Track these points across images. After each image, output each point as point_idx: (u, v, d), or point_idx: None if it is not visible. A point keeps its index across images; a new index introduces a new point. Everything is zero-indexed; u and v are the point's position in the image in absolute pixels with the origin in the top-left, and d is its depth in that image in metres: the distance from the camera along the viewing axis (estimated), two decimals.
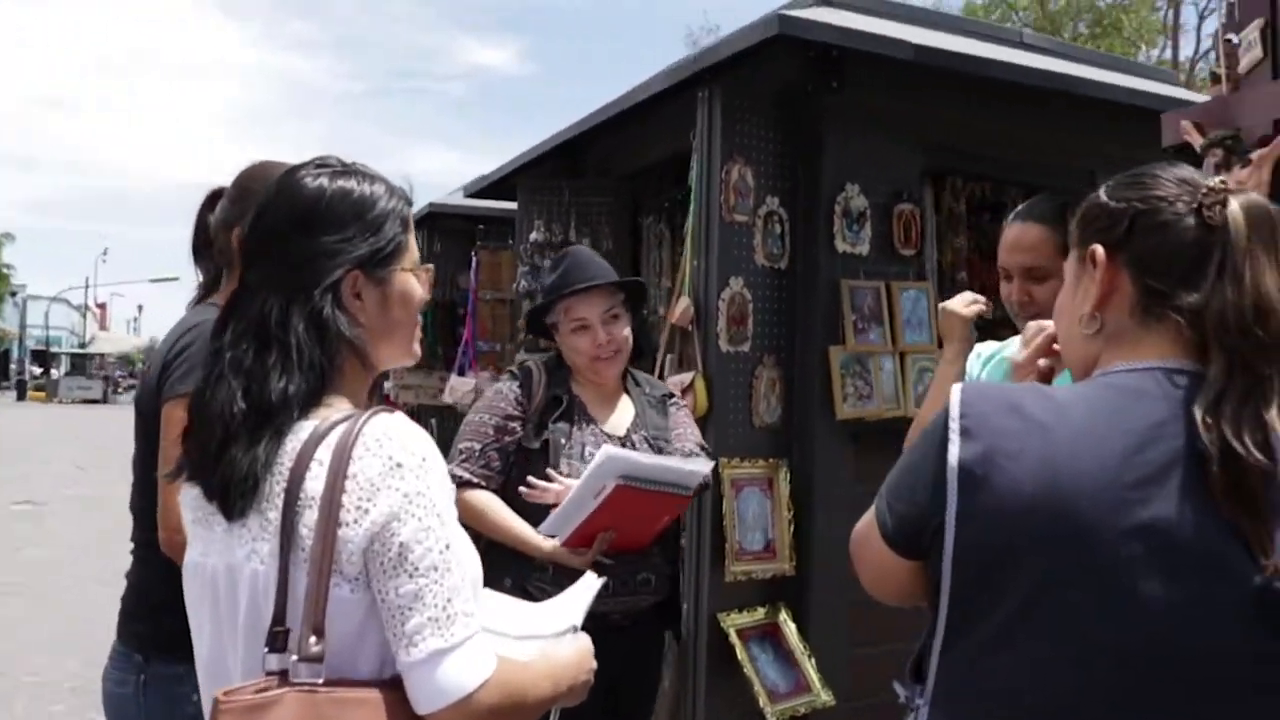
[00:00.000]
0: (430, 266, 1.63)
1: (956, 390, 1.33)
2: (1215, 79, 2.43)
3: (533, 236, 5.44)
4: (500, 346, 6.36)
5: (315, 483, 1.35)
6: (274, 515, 1.36)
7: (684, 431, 3.08)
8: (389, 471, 1.35)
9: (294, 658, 1.30)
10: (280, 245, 1.47)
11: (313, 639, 1.31)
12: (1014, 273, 2.44)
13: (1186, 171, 1.40)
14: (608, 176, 5.57)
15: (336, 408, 1.44)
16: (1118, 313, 1.38)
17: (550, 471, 2.72)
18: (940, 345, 4.26)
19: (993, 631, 1.27)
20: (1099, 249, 1.39)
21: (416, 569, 1.34)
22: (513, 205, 5.89)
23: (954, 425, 1.29)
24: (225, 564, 1.41)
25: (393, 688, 1.36)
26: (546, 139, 5.45)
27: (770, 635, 3.90)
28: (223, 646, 1.43)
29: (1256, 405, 1.23)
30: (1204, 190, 1.33)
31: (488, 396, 2.93)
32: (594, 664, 1.65)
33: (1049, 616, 1.24)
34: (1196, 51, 23.36)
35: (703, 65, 3.75)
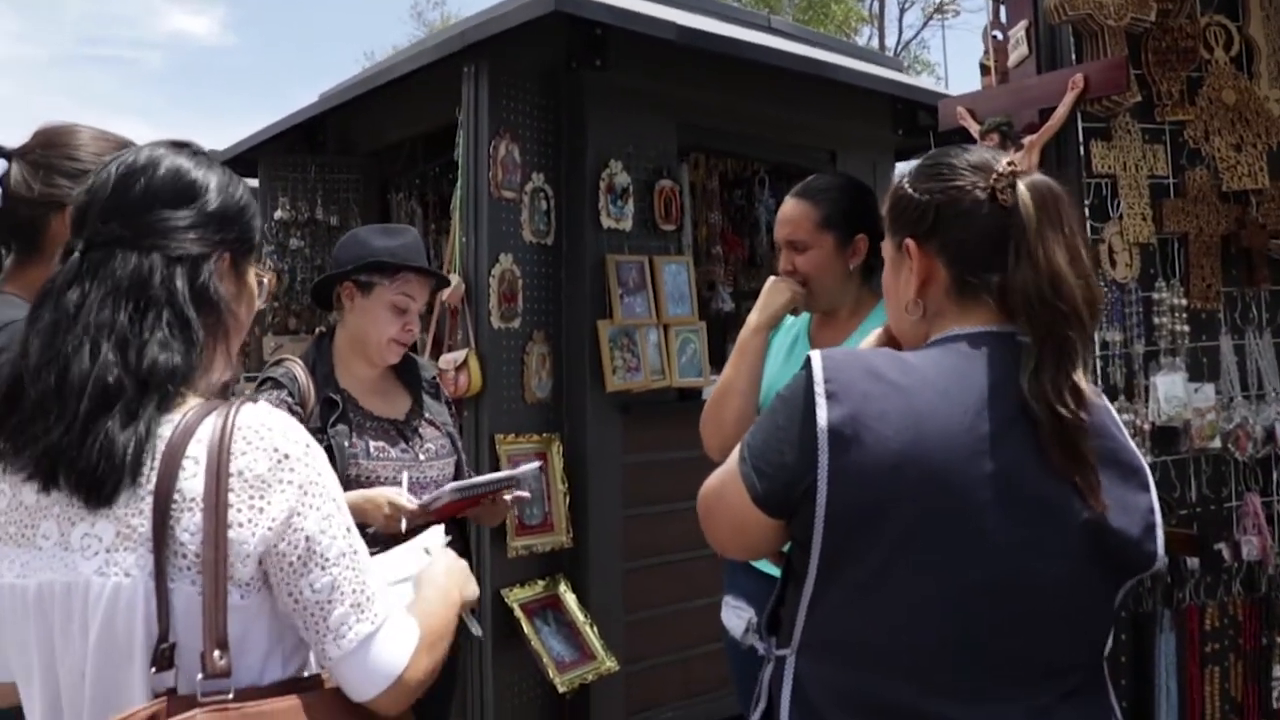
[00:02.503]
0: (274, 275, 1.55)
1: (817, 357, 1.40)
2: (985, 70, 2.64)
3: (277, 214, 5.23)
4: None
5: (193, 483, 1.23)
6: (139, 521, 1.23)
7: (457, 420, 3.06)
8: (277, 465, 1.26)
9: (199, 676, 1.21)
10: (158, 211, 1.34)
11: (217, 653, 1.22)
12: (780, 244, 2.57)
13: (978, 156, 1.51)
14: (352, 152, 5.42)
15: (190, 400, 1.32)
16: (937, 295, 1.50)
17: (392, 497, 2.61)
18: (701, 317, 4.46)
19: (862, 579, 1.36)
20: (911, 243, 1.51)
21: (327, 559, 1.28)
22: (250, 181, 5.62)
23: (819, 390, 1.36)
24: (63, 582, 1.24)
25: (300, 691, 1.30)
26: (292, 114, 5.23)
27: (551, 607, 3.94)
28: (55, 679, 1.27)
29: (1066, 368, 1.37)
30: (995, 175, 1.45)
31: None
32: (464, 563, 1.65)
33: (917, 561, 1.34)
34: (899, 41, 25.02)
35: (473, 40, 3.70)
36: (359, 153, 5.40)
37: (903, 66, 6.38)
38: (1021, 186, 1.42)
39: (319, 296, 2.92)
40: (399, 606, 1.39)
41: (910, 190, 1.53)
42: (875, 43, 23.87)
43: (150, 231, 1.33)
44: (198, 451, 1.25)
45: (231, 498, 1.24)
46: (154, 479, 1.23)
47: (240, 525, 1.24)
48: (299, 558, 1.27)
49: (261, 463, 1.26)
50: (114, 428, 1.23)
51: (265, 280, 1.52)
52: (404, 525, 2.48)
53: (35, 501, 1.27)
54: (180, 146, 1.43)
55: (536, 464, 2.91)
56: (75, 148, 1.89)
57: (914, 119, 5.30)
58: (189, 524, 1.23)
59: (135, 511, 1.23)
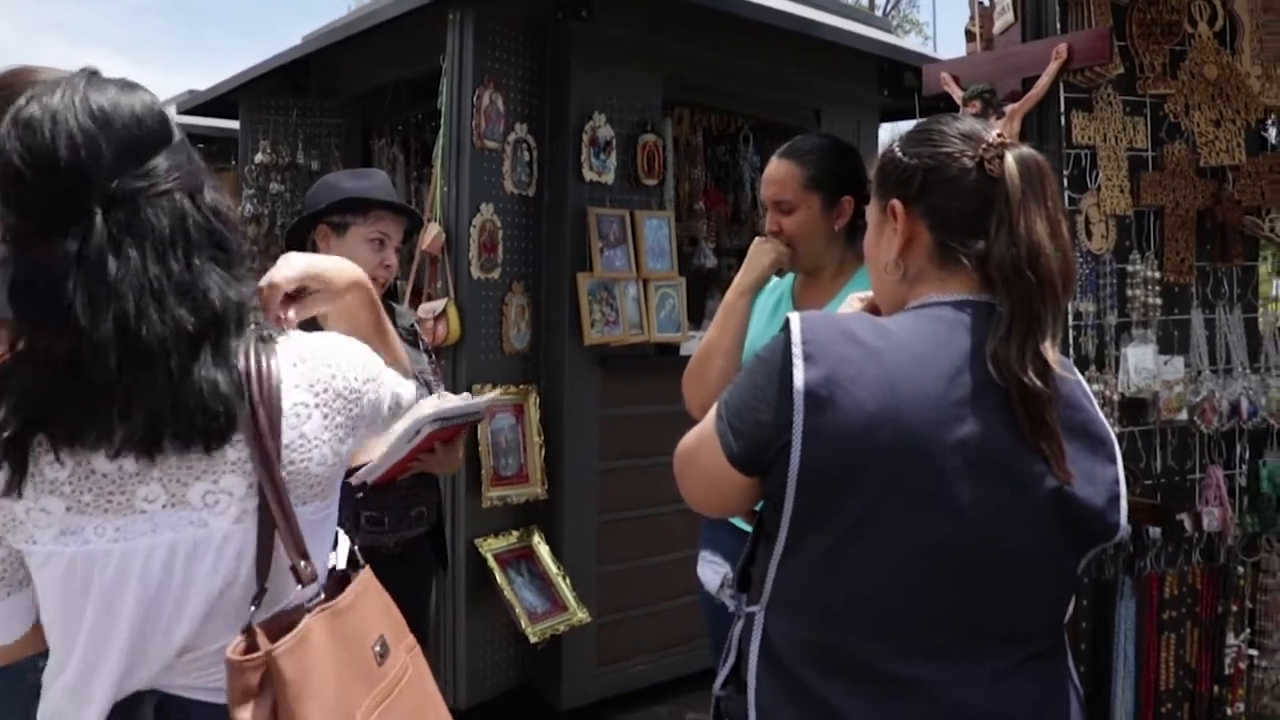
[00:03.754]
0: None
1: (795, 319, 1.42)
2: (970, 36, 2.64)
3: (258, 158, 5.20)
4: None
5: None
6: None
7: (435, 368, 3.07)
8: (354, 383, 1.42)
9: (298, 587, 1.33)
10: (158, 149, 1.31)
11: (303, 563, 1.33)
12: (767, 204, 2.58)
13: (969, 125, 1.54)
14: (333, 96, 5.37)
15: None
16: (919, 258, 1.53)
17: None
18: (681, 273, 4.47)
19: (832, 539, 1.39)
20: (897, 204, 1.53)
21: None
22: (227, 123, 5.58)
23: (797, 351, 1.38)
24: (190, 539, 1.30)
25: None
26: (274, 56, 5.17)
27: (525, 558, 3.98)
28: (158, 629, 1.32)
29: (1035, 339, 1.40)
30: (984, 145, 1.47)
31: None
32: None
33: (886, 523, 1.36)
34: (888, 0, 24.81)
35: None
36: (342, 96, 5.36)
37: (891, 27, 6.37)
38: (1009, 158, 1.45)
39: (293, 245, 2.91)
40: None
41: (900, 154, 1.55)
42: (865, 1, 23.68)
43: (163, 172, 1.30)
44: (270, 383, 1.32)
45: (302, 418, 1.35)
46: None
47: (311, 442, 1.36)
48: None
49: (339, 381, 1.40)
50: (208, 372, 1.26)
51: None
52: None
53: (118, 469, 1.27)
54: (114, 82, 1.36)
55: (488, 396, 2.98)
56: (34, 85, 1.91)
57: (900, 80, 5.30)
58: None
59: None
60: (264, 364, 1.31)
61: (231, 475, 1.30)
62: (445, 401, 2.65)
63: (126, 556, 1.29)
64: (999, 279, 1.42)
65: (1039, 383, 1.37)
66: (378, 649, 1.40)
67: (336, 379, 1.39)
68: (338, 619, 1.35)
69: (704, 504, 1.60)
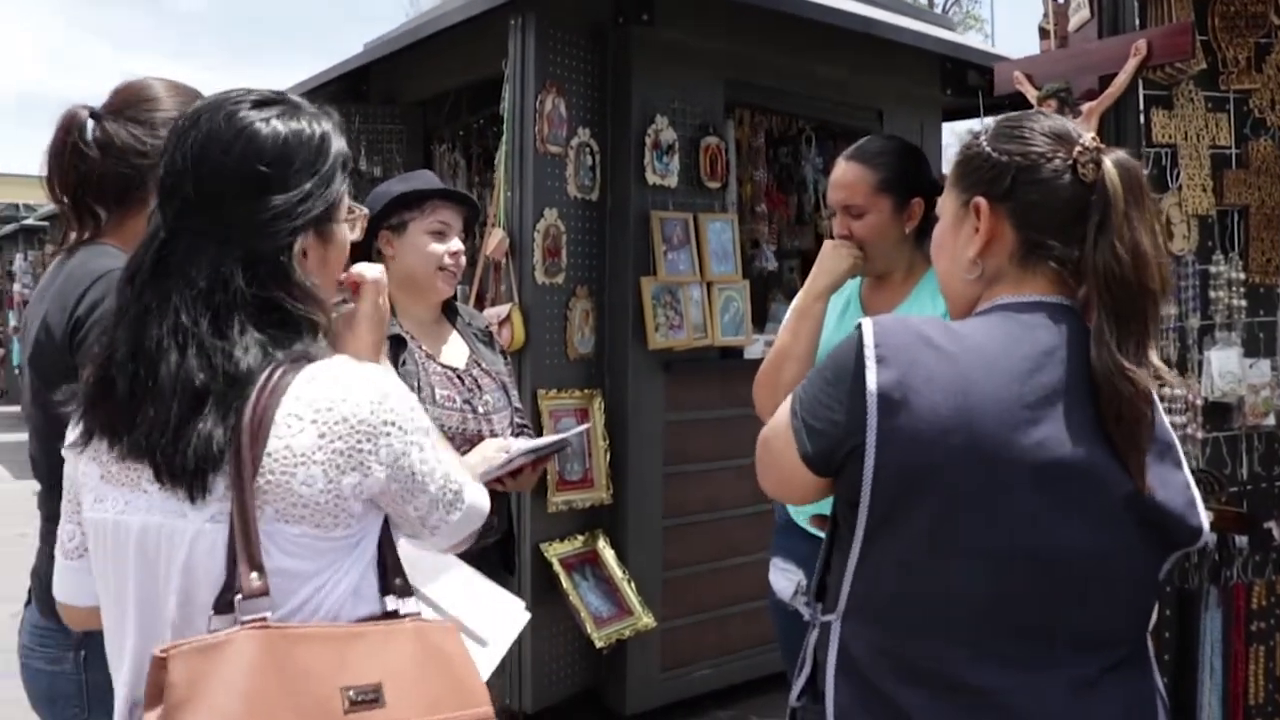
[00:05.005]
0: (365, 211, 1.53)
1: (869, 323, 1.41)
2: (1044, 34, 2.59)
3: None
4: None
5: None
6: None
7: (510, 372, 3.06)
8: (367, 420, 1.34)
9: (238, 597, 1.24)
10: (237, 200, 1.32)
11: (253, 575, 1.25)
12: (835, 209, 2.54)
13: (1059, 124, 1.50)
14: (396, 103, 5.41)
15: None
16: (998, 258, 1.49)
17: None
18: (744, 275, 4.44)
19: (908, 544, 1.37)
20: (983, 202, 1.48)
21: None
22: None
23: (869, 354, 1.37)
24: (169, 526, 1.29)
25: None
26: (337, 64, 5.23)
27: (590, 562, 3.98)
28: (156, 613, 1.32)
29: (1144, 344, 1.37)
30: (1078, 149, 1.43)
31: None
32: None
33: (962, 527, 1.34)
34: None
35: None
36: (403, 103, 5.40)
37: (954, 25, 6.29)
38: (1109, 164, 1.41)
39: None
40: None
41: (989, 149, 1.50)
42: None
43: (231, 225, 1.32)
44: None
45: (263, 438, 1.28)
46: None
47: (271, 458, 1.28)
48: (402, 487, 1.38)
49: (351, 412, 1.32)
50: (205, 428, 1.26)
51: (356, 220, 1.51)
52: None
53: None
54: (260, 106, 1.37)
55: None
56: (161, 99, 1.94)
57: (963, 79, 5.23)
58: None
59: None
60: (274, 376, 1.28)
61: (215, 474, 1.27)
62: (538, 440, 2.71)
63: (125, 530, 1.33)
64: (1099, 286, 1.38)
65: (1144, 383, 1.34)
66: (351, 694, 1.26)
67: (347, 403, 1.30)
68: (285, 643, 1.24)
69: (779, 494, 1.62)
